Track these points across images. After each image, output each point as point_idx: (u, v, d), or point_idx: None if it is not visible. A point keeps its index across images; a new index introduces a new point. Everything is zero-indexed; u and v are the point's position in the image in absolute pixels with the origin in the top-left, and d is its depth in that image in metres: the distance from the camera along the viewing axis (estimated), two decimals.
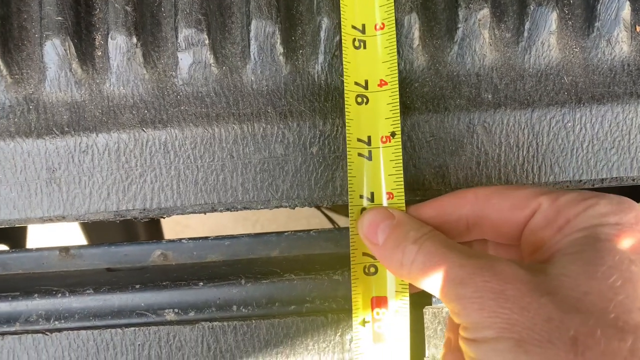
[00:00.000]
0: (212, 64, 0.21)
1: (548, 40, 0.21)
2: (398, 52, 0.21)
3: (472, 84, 0.21)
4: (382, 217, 0.19)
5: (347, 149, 0.20)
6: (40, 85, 0.21)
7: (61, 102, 0.21)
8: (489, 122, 0.21)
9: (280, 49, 0.21)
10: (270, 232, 0.25)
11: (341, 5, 0.20)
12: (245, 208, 0.22)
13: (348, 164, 0.20)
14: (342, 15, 0.20)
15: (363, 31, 0.20)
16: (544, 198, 0.17)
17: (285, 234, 0.25)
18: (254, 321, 0.21)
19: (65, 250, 0.25)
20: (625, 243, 0.16)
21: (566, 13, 0.21)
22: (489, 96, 0.21)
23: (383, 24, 0.20)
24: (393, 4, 0.20)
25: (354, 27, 0.20)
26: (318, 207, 0.40)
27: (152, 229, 0.53)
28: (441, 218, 0.18)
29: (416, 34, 0.20)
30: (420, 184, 0.21)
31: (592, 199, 0.17)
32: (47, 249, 0.26)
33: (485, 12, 0.20)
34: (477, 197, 0.18)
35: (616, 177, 0.21)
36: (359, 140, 0.20)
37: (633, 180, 0.22)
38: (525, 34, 0.21)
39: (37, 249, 0.26)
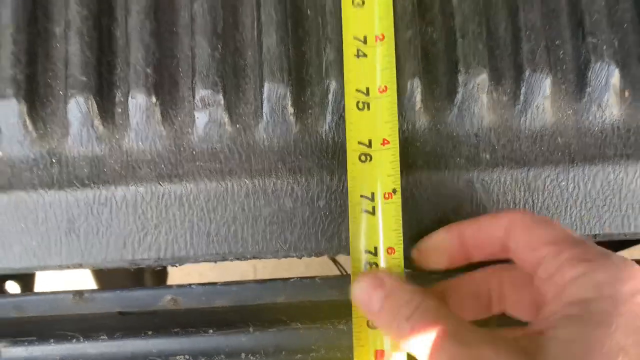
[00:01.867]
0: (227, 123, 0.22)
1: (543, 104, 0.22)
2: (401, 113, 0.22)
3: (471, 144, 0.22)
4: (374, 286, 0.19)
5: (350, 205, 0.21)
6: (63, 140, 0.22)
7: (82, 156, 0.22)
8: (487, 180, 0.22)
9: (290, 109, 0.22)
10: (276, 279, 0.26)
11: (345, 70, 0.21)
12: (254, 257, 0.23)
13: (351, 219, 0.21)
14: (345, 79, 0.21)
15: (367, 94, 0.21)
16: (550, 249, 0.18)
17: (291, 280, 0.26)
18: None
19: (79, 294, 0.26)
20: (617, 325, 0.16)
21: (559, 79, 0.22)
22: (487, 156, 0.22)
23: (385, 87, 0.21)
24: (394, 68, 0.21)
25: (358, 90, 0.21)
26: None
27: (158, 271, 0.54)
28: (478, 238, 0.20)
29: (418, 97, 0.22)
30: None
31: (592, 262, 0.17)
32: (61, 292, 0.27)
33: (483, 77, 0.22)
34: (509, 224, 0.19)
35: (608, 233, 0.22)
36: (362, 196, 0.21)
37: (625, 235, 0.23)
38: (522, 97, 0.22)
39: (52, 292, 0.27)
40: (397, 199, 0.21)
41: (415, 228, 0.22)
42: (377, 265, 0.21)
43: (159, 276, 0.55)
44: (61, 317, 0.26)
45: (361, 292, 0.20)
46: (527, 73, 0.22)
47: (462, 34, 0.22)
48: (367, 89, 0.21)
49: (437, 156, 0.22)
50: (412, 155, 0.22)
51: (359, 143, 0.21)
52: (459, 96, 0.22)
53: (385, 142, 0.21)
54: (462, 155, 0.22)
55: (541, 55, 0.21)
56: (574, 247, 0.17)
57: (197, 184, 0.22)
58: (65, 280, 0.59)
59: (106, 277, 0.49)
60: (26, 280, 0.41)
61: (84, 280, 0.55)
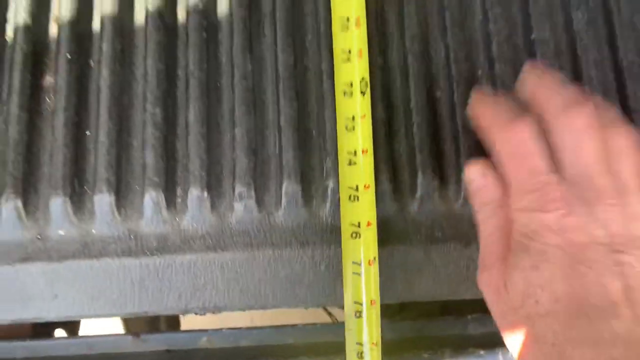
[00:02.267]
0: (256, 210, 0.31)
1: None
2: (379, 204, 0.31)
3: (427, 226, 0.32)
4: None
5: (344, 269, 0.30)
6: (138, 222, 0.31)
7: (152, 234, 0.31)
8: (440, 252, 0.31)
9: (301, 200, 0.31)
10: (287, 325, 0.35)
11: (340, 174, 0.31)
12: (273, 308, 0.32)
13: (344, 279, 0.30)
14: (340, 179, 0.31)
15: (356, 190, 0.31)
16: None
17: (298, 326, 0.34)
18: None
19: (136, 335, 0.35)
20: None
21: None
22: (439, 234, 0.32)
23: (368, 184, 0.30)
24: (373, 170, 0.31)
25: (349, 187, 0.31)
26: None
27: (172, 318, 0.62)
28: None
29: (389, 193, 0.31)
30: (395, 294, 0.31)
31: None
32: (122, 335, 0.35)
33: (435, 183, 0.31)
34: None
35: None
36: (353, 262, 0.30)
37: None
38: (462, 194, 0.31)
39: (115, 335, 0.35)
40: (376, 264, 0.30)
41: (389, 286, 0.31)
42: (361, 313, 0.29)
43: (173, 320, 0.63)
44: (122, 355, 0.35)
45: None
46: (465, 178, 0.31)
47: (420, 151, 0.31)
48: (357, 187, 0.31)
49: (403, 235, 0.31)
50: (387, 233, 0.31)
51: (351, 224, 0.30)
52: (418, 193, 0.31)
53: (369, 223, 0.30)
54: (422, 234, 0.31)
55: None
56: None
57: (233, 253, 0.31)
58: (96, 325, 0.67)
59: (130, 320, 0.57)
60: (72, 327, 0.49)
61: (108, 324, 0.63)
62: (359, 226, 0.30)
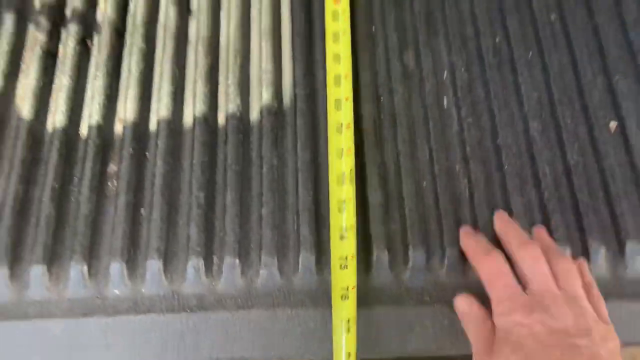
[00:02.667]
0: (278, 276, 0.38)
1: (457, 270, 0.39)
2: (377, 272, 0.38)
3: (418, 291, 0.39)
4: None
5: (333, 326, 0.36)
6: (181, 284, 0.38)
7: (192, 294, 0.38)
8: (429, 313, 0.38)
9: (314, 269, 0.38)
10: None
11: (332, 244, 0.38)
12: (289, 357, 0.38)
13: (333, 335, 0.36)
14: (332, 249, 0.38)
15: (346, 259, 0.38)
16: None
17: None
18: None
19: None
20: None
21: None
22: (428, 298, 0.38)
23: (354, 255, 0.38)
24: (355, 245, 0.38)
25: (340, 257, 0.38)
26: None
27: None
28: None
29: (386, 263, 0.38)
30: (389, 349, 0.38)
31: None
32: None
33: (422, 253, 0.39)
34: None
35: None
36: (342, 320, 0.37)
37: None
38: (446, 263, 0.39)
39: None
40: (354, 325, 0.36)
41: (385, 342, 0.38)
42: None
43: None
44: None
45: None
46: (448, 252, 0.39)
47: (411, 229, 0.39)
48: (346, 257, 0.38)
49: (398, 298, 0.38)
50: (383, 297, 0.38)
51: (342, 288, 0.37)
52: (410, 264, 0.39)
53: (354, 287, 0.37)
54: (413, 298, 0.38)
55: (455, 242, 0.39)
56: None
57: (258, 311, 0.38)
58: None
59: None
60: None
61: None
62: (347, 290, 0.37)
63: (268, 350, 0.37)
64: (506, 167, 0.41)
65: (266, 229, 0.39)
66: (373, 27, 0.46)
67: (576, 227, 0.40)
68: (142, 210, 0.40)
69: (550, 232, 0.39)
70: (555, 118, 0.43)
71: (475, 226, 0.40)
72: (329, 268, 0.38)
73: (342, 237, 0.38)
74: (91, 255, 0.38)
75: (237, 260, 0.38)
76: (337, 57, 0.41)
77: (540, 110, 0.43)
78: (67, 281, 0.38)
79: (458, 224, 0.40)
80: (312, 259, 0.38)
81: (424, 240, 0.39)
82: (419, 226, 0.39)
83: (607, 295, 0.36)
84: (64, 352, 0.37)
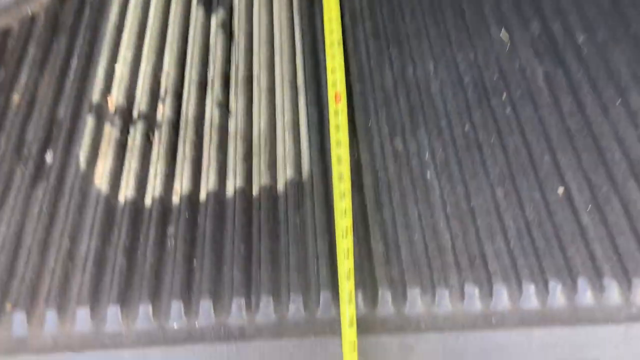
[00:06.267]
0: (302, 310, 0.48)
1: (446, 302, 0.49)
2: (382, 307, 0.48)
3: (416, 321, 0.48)
4: None
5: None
6: (227, 318, 0.48)
7: (235, 326, 0.47)
8: (426, 338, 0.48)
9: (332, 303, 0.48)
10: None
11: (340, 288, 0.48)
12: None
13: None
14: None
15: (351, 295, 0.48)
16: None
17: None
18: None
19: None
20: None
21: (451, 292, 0.49)
22: (423, 325, 0.48)
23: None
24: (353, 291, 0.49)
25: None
26: None
27: None
28: None
29: (389, 299, 0.49)
30: None
31: None
32: None
33: (418, 291, 0.49)
34: None
35: None
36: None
37: None
38: (436, 298, 0.49)
39: None
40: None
41: None
42: None
43: None
44: None
45: None
46: (437, 289, 0.49)
47: (408, 272, 0.50)
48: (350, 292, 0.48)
49: (400, 327, 0.48)
50: (388, 326, 0.48)
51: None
52: (408, 299, 0.49)
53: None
54: (412, 327, 0.48)
55: (442, 281, 0.49)
56: None
57: (288, 339, 0.47)
58: None
59: None
60: None
61: None
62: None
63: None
64: (479, 222, 0.53)
65: (293, 273, 0.49)
66: (369, 121, 0.59)
67: (538, 268, 0.50)
68: (195, 261, 0.51)
69: (517, 274, 0.50)
70: (515, 185, 0.55)
71: (458, 268, 0.50)
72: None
73: (348, 277, 0.48)
74: (155, 297, 0.48)
75: (271, 298, 0.48)
76: (338, 143, 0.54)
77: (502, 179, 0.56)
78: (135, 317, 0.47)
79: (444, 266, 0.50)
80: (329, 294, 0.48)
81: (418, 279, 0.50)
82: (413, 269, 0.50)
83: (564, 321, 0.46)
84: None
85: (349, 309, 0.47)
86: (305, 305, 0.48)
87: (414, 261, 0.50)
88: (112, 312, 0.47)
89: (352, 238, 0.49)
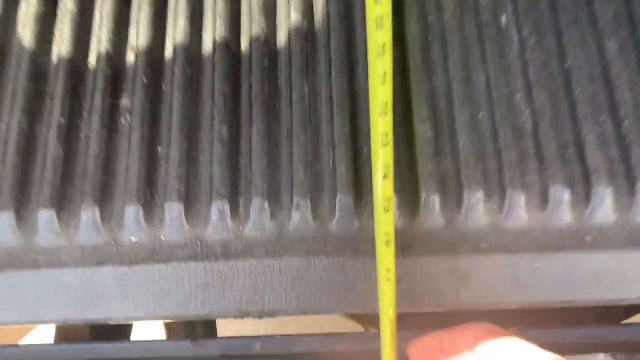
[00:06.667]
0: (311, 220, 0.34)
1: (520, 212, 0.33)
2: (427, 217, 0.33)
3: (474, 237, 0.33)
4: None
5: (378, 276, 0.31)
6: (204, 229, 0.34)
7: (217, 241, 0.34)
8: (486, 262, 0.33)
9: (354, 213, 0.34)
10: (338, 333, 0.37)
11: (374, 185, 0.33)
12: (326, 313, 0.34)
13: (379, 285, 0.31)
14: (374, 191, 0.33)
15: (389, 201, 0.33)
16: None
17: (348, 334, 0.36)
18: None
19: (194, 341, 0.37)
20: None
21: (530, 196, 0.34)
22: (485, 245, 0.33)
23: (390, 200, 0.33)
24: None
25: (385, 199, 0.33)
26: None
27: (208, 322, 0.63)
28: (452, 345, 0.26)
29: (438, 206, 0.33)
30: (442, 302, 0.33)
31: None
32: (181, 340, 0.37)
33: (480, 195, 0.33)
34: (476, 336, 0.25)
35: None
36: (388, 270, 0.32)
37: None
38: (506, 208, 0.33)
39: (174, 340, 0.37)
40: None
41: (437, 294, 0.33)
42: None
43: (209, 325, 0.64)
44: (179, 359, 0.36)
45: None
46: (508, 193, 0.33)
47: (466, 167, 0.34)
48: (389, 199, 0.33)
49: (451, 245, 0.33)
50: (434, 244, 0.33)
51: (385, 233, 0.32)
52: (464, 207, 0.33)
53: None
54: (468, 245, 0.33)
55: (517, 181, 0.33)
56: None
57: (291, 259, 0.33)
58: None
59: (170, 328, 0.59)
60: (123, 333, 0.51)
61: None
62: (390, 236, 0.32)
63: (302, 303, 0.33)
64: (577, 93, 0.35)
65: (298, 167, 0.34)
66: None
67: None
68: (159, 148, 0.35)
69: (629, 171, 0.34)
70: (636, 36, 0.37)
71: (541, 163, 0.34)
72: (371, 211, 0.34)
73: (385, 177, 0.32)
74: (104, 199, 0.34)
75: (266, 203, 0.33)
76: None
77: (617, 27, 0.37)
78: (78, 227, 0.34)
79: (521, 159, 0.34)
80: (351, 200, 0.33)
81: (481, 178, 0.34)
82: (474, 163, 0.34)
83: None
84: (77, 303, 0.33)
85: (384, 220, 0.32)
86: (315, 214, 0.33)
87: (475, 152, 0.34)
88: (45, 219, 0.34)
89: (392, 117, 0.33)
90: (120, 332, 0.48)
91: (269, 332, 0.37)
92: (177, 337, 0.55)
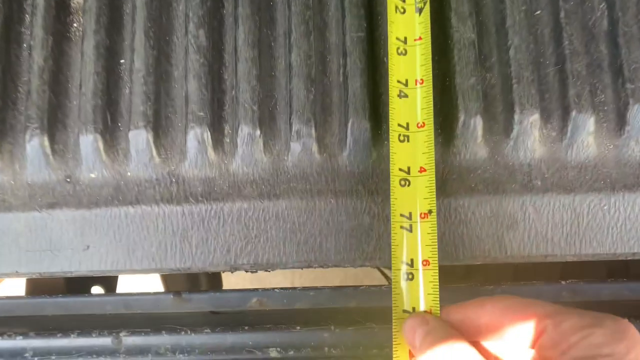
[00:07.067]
0: (316, 152, 0.26)
1: (587, 139, 0.26)
2: (465, 145, 0.26)
3: (524, 172, 0.26)
4: (419, 323, 0.22)
5: (392, 222, 0.24)
6: (181, 163, 0.27)
7: (197, 177, 0.27)
8: (538, 203, 0.26)
9: (370, 141, 0.26)
10: (348, 286, 0.30)
11: (389, 108, 0.25)
12: (335, 266, 0.27)
13: (392, 235, 0.24)
14: (390, 115, 0.25)
15: (407, 128, 0.25)
16: (549, 322, 0.20)
17: (361, 288, 0.30)
18: None
19: (178, 294, 0.31)
20: None
21: (601, 118, 0.26)
22: (539, 182, 0.26)
23: (424, 123, 0.25)
24: (432, 107, 0.25)
25: (399, 125, 0.25)
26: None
27: (213, 275, 0.58)
28: (465, 323, 0.22)
29: (479, 132, 0.26)
30: (481, 252, 0.26)
31: (590, 328, 0.20)
32: (162, 293, 0.31)
33: (535, 117, 0.25)
34: (494, 310, 0.21)
35: None
36: (402, 215, 0.24)
37: None
38: (568, 134, 0.26)
39: (154, 293, 0.32)
40: (433, 218, 0.24)
41: (476, 243, 0.26)
42: (413, 275, 0.24)
43: (215, 280, 0.59)
44: (160, 315, 0.31)
45: (409, 327, 0.23)
46: (573, 113, 0.25)
47: (517, 80, 0.26)
48: (407, 124, 0.25)
49: (495, 182, 0.26)
50: (473, 180, 0.26)
51: (400, 170, 0.25)
52: (514, 132, 0.26)
53: (422, 169, 0.25)
54: (517, 182, 0.26)
55: (586, 98, 0.25)
56: (570, 317, 0.20)
57: (290, 201, 0.26)
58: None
59: (170, 281, 0.53)
60: (109, 283, 0.46)
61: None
62: (408, 172, 0.24)
63: (304, 254, 0.27)
64: None
65: (298, 83, 0.26)
66: None
67: None
68: (121, 60, 0.28)
69: None
70: None
71: (617, 76, 0.26)
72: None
73: (401, 95, 0.25)
74: (54, 125, 0.27)
75: (258, 130, 0.26)
76: None
77: None
78: (23, 160, 0.27)
79: (591, 70, 0.26)
80: (367, 125, 0.26)
81: (537, 95, 0.26)
82: (529, 75, 0.26)
83: None
84: (28, 254, 0.27)
85: (399, 151, 0.25)
86: (320, 144, 0.26)
87: (531, 60, 0.26)
88: None
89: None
90: (104, 282, 0.43)
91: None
92: (176, 288, 0.50)
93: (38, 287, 0.36)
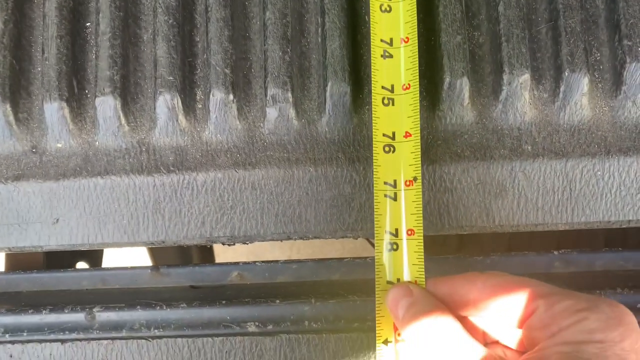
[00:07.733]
0: (294, 118, 0.25)
1: (580, 100, 0.24)
2: (450, 109, 0.24)
3: (514, 136, 0.25)
4: (403, 294, 0.21)
5: (375, 191, 0.23)
6: (151, 132, 0.25)
7: (168, 146, 0.25)
8: (529, 169, 0.25)
9: (350, 105, 0.25)
10: (332, 259, 0.29)
11: (372, 69, 0.24)
12: (315, 237, 0.26)
13: (375, 203, 0.23)
14: (373, 77, 0.24)
15: (392, 91, 0.24)
16: (541, 302, 0.19)
17: (345, 260, 0.29)
18: (323, 335, 0.25)
19: (156, 269, 0.30)
20: None
21: (596, 78, 0.24)
22: (529, 147, 0.25)
23: (409, 84, 0.23)
24: (417, 68, 0.23)
25: (383, 87, 0.24)
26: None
27: (205, 250, 0.57)
28: (452, 297, 0.21)
29: (466, 94, 0.24)
30: (468, 222, 0.25)
31: (584, 312, 0.18)
32: (140, 267, 0.30)
33: (526, 77, 0.24)
34: (485, 287, 0.20)
35: None
36: (386, 183, 0.23)
37: None
38: (561, 95, 0.24)
39: (132, 268, 0.30)
40: (418, 186, 0.23)
41: (462, 212, 0.25)
42: (397, 245, 0.23)
43: (206, 253, 0.58)
44: (140, 290, 0.30)
45: (392, 298, 0.21)
46: (566, 73, 0.24)
47: (507, 38, 0.24)
48: (392, 86, 0.24)
49: (482, 148, 0.25)
50: (460, 146, 0.25)
51: (384, 135, 0.23)
52: (503, 94, 0.24)
53: (408, 134, 0.23)
54: (506, 147, 0.25)
55: (580, 57, 0.24)
56: (563, 299, 0.19)
57: (267, 170, 0.25)
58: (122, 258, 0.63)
59: (159, 253, 0.52)
60: (94, 259, 0.45)
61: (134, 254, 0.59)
62: (393, 138, 0.23)
63: (283, 226, 0.25)
64: None
65: (273, 44, 0.25)
66: None
67: None
68: (87, 23, 0.26)
69: None
70: None
71: (614, 31, 0.24)
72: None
73: (385, 55, 0.23)
74: (16, 92, 0.26)
75: (231, 95, 0.25)
76: None
77: None
78: None
79: (586, 27, 0.24)
80: (347, 88, 0.24)
81: (528, 54, 0.24)
82: (519, 32, 0.24)
83: None
84: None
85: (382, 115, 0.23)
86: (298, 109, 0.25)
87: (521, 16, 0.24)
88: None
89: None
90: (89, 257, 0.42)
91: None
92: (168, 262, 0.49)
93: (18, 263, 0.35)
